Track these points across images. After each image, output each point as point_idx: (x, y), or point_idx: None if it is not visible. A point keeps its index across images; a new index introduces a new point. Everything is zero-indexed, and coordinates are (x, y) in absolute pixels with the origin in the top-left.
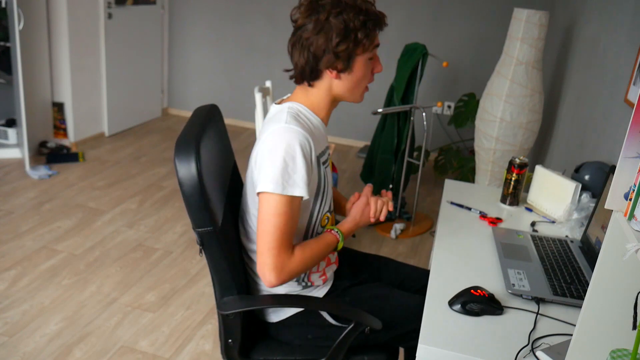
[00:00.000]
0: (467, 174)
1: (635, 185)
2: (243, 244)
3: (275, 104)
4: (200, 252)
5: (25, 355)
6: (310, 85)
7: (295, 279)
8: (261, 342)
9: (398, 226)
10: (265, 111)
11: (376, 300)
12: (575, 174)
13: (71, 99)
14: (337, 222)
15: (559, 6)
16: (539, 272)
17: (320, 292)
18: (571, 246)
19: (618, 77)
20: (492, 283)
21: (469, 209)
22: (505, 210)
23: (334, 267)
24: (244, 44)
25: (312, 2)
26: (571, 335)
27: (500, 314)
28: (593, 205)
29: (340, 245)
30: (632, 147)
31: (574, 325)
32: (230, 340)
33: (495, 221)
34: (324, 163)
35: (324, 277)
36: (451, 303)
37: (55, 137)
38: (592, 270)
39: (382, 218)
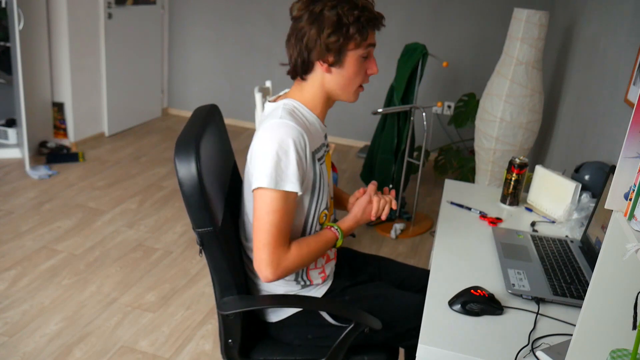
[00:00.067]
0: (467, 174)
1: (635, 185)
2: (242, 243)
3: (270, 101)
4: (200, 252)
5: (25, 355)
6: (303, 79)
7: (294, 279)
8: (261, 342)
9: (398, 226)
10: None
11: (375, 300)
12: (575, 174)
13: (71, 99)
14: (336, 220)
15: (559, 6)
16: (539, 272)
17: (319, 291)
18: (571, 246)
19: (618, 77)
20: (492, 283)
21: (469, 209)
22: (505, 210)
23: (333, 263)
24: (244, 44)
25: None
26: (571, 335)
27: (500, 314)
28: (593, 205)
29: (339, 243)
30: (632, 147)
31: (574, 325)
32: (230, 340)
33: (495, 221)
34: (319, 159)
35: (323, 275)
36: (451, 303)
37: (55, 137)
38: (592, 270)
39: (383, 217)
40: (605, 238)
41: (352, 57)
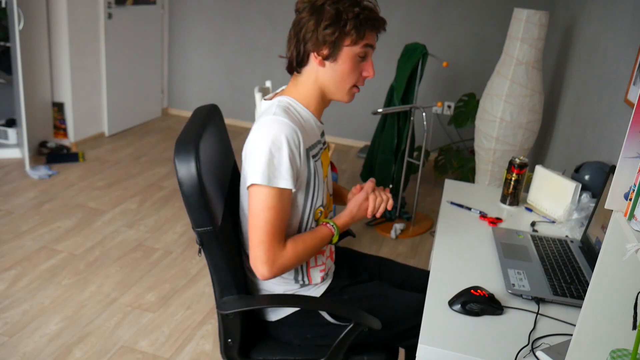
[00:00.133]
0: (467, 174)
1: (635, 185)
2: (242, 242)
3: (265, 99)
4: (200, 251)
5: (25, 355)
6: (298, 72)
7: (293, 278)
8: (261, 341)
9: (398, 226)
10: None
11: (375, 299)
12: (575, 174)
13: (71, 99)
14: (334, 216)
15: (559, 6)
16: (539, 272)
17: (318, 290)
18: (571, 246)
19: (618, 77)
20: (492, 283)
21: (469, 209)
22: (505, 210)
23: (331, 260)
24: (244, 44)
25: None
26: (571, 335)
27: (500, 314)
28: (593, 205)
29: (335, 239)
30: (632, 147)
31: (574, 325)
32: (230, 340)
33: (495, 221)
34: (314, 157)
35: (322, 267)
36: (451, 303)
37: (55, 137)
38: (592, 270)
39: (378, 215)
40: (605, 238)
41: (347, 54)
